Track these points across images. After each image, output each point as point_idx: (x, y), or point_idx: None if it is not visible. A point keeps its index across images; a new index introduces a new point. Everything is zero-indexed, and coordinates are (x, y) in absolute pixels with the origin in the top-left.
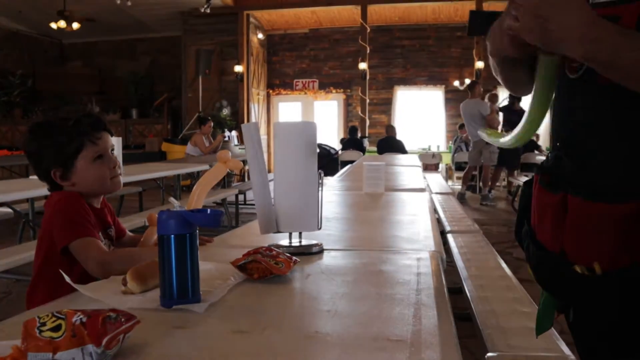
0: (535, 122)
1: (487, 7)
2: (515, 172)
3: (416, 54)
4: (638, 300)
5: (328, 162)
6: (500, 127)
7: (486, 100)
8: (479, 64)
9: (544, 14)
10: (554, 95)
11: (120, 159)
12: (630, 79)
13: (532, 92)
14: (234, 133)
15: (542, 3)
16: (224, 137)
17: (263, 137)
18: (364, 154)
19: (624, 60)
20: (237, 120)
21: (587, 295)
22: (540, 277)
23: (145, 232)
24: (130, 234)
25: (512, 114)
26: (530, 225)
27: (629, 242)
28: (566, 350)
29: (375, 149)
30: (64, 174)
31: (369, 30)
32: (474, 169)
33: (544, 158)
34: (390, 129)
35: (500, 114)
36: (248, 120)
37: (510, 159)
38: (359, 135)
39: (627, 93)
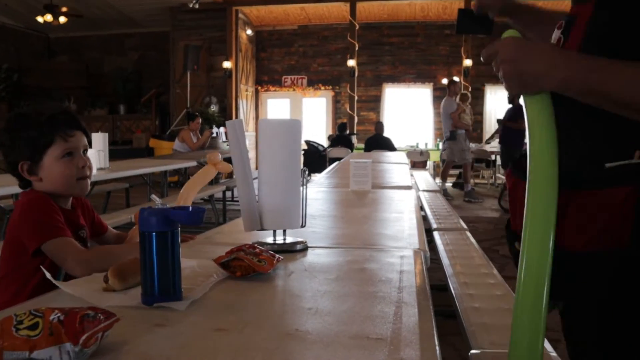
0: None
1: (475, 5)
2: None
3: (404, 51)
4: (624, 285)
5: (316, 159)
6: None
7: (456, 99)
8: (467, 62)
9: (517, 58)
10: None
11: (106, 154)
12: (603, 103)
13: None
14: (222, 129)
15: (513, 52)
16: (212, 133)
17: (251, 134)
18: (352, 151)
19: (594, 91)
20: (225, 116)
21: (575, 280)
22: None
23: (131, 230)
24: (115, 231)
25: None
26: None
27: (610, 226)
28: (548, 347)
29: (362, 146)
30: (31, 167)
31: (357, 27)
32: (450, 165)
33: None
34: (379, 126)
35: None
36: (236, 117)
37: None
38: (348, 132)
39: None
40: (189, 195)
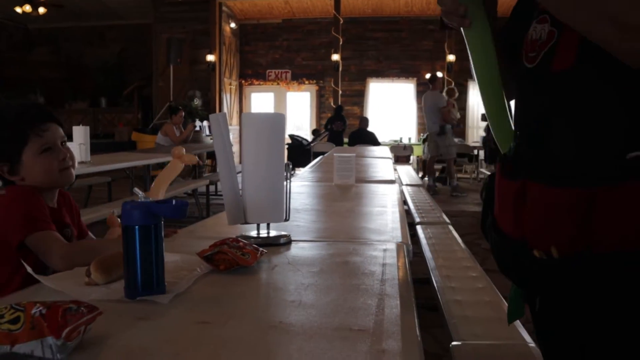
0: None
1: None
2: None
3: (389, 46)
4: (594, 285)
5: (300, 153)
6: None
7: (444, 94)
8: (450, 57)
9: None
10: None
11: (88, 148)
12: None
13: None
14: (205, 123)
15: None
16: (195, 126)
17: (235, 127)
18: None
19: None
20: (208, 110)
21: (546, 280)
22: (502, 265)
23: (106, 235)
24: (93, 237)
25: None
26: (494, 216)
27: (584, 226)
28: (528, 338)
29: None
30: (11, 169)
31: (342, 21)
32: (435, 159)
33: None
34: (363, 121)
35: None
36: (220, 110)
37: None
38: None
39: (579, 80)
40: (159, 191)
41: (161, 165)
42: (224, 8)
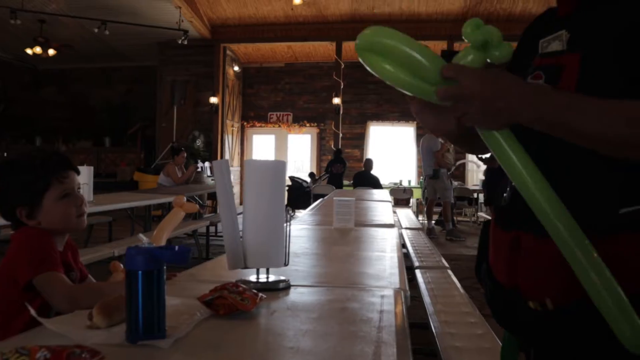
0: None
1: (458, 47)
2: None
3: (389, 90)
4: (589, 336)
5: (300, 195)
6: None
7: (439, 138)
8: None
9: (490, 96)
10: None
11: (91, 187)
12: (578, 138)
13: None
14: (207, 164)
15: (485, 87)
16: (197, 167)
17: (236, 169)
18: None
19: (569, 121)
20: (210, 151)
21: (540, 330)
22: (496, 314)
23: (109, 279)
24: (93, 280)
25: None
26: (489, 264)
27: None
28: None
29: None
30: (30, 212)
31: (343, 66)
32: (434, 202)
33: None
34: (368, 163)
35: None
36: (222, 152)
37: None
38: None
39: None
40: (161, 238)
41: (162, 206)
42: (228, 52)
